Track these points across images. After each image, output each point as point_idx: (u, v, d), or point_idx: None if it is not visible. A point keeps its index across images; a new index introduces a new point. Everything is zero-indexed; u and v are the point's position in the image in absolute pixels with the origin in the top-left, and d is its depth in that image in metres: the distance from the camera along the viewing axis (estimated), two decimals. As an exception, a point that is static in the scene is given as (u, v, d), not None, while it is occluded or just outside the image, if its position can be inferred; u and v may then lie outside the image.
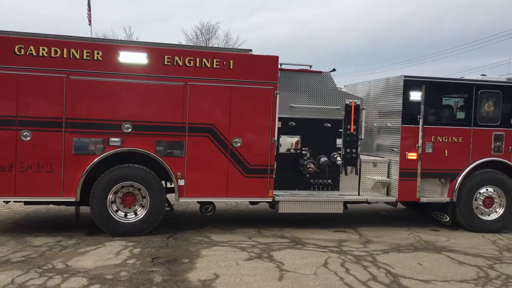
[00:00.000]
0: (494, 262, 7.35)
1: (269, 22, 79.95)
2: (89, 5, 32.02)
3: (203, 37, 57.32)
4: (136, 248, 7.40)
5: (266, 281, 6.03)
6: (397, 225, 9.92)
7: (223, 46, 53.06)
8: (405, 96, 9.26)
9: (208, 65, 8.41)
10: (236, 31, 76.26)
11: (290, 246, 7.84)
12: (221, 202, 11.17)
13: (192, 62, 8.34)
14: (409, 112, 9.28)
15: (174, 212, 9.66)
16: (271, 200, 8.86)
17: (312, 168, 9.00)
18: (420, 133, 9.24)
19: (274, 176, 8.78)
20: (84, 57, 7.92)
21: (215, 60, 8.42)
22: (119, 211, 8.31)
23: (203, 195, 8.58)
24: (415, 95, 9.27)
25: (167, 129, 8.31)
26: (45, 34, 8.10)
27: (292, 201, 8.95)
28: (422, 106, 9.28)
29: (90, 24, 31.83)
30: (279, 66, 9.12)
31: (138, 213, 8.34)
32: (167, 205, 9.32)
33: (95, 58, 7.97)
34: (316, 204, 9.05)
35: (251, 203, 9.67)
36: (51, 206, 9.44)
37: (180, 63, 8.31)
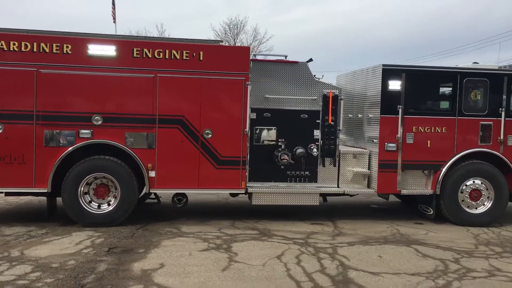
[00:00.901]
0: (463, 256, 7.06)
1: (307, 17, 79.53)
2: (113, 3, 32.72)
3: (231, 32, 57.54)
4: (100, 238, 7.51)
5: (209, 271, 6.00)
6: (381, 218, 9.66)
7: (247, 41, 53.28)
8: (384, 85, 8.99)
9: (178, 56, 8.41)
10: (274, 26, 75.94)
11: (255, 238, 7.77)
12: (213, 195, 11.22)
13: (161, 54, 8.36)
14: (388, 102, 9.01)
15: (161, 204, 9.77)
16: (243, 192, 8.81)
17: (286, 159, 8.88)
18: (400, 124, 8.95)
19: (247, 167, 8.72)
20: (54, 50, 8.07)
21: (184, 52, 8.42)
22: (93, 202, 8.45)
23: (175, 187, 8.61)
24: (395, 84, 8.99)
25: (137, 121, 8.37)
26: (16, 29, 8.29)
27: (265, 192, 8.87)
28: (402, 96, 8.98)
29: (114, 21, 32.55)
30: (252, 57, 9.07)
31: (111, 204, 8.45)
32: (154, 197, 9.47)
33: (65, 51, 8.11)
34: (290, 196, 8.93)
35: (231, 194, 9.65)
36: (43, 198, 9.68)
37: (150, 55, 8.34)
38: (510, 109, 9.28)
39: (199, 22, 70.99)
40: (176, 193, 8.72)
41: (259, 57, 9.15)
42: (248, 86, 8.55)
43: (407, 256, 6.97)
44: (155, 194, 9.29)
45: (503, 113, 9.13)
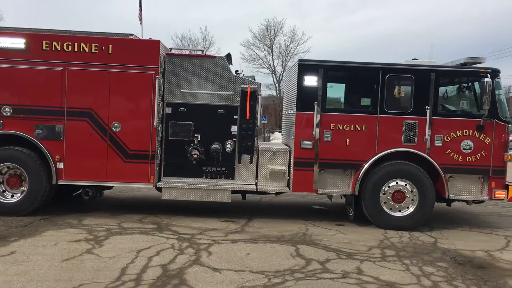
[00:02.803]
0: (340, 257, 6.72)
1: (370, 19, 78.88)
2: (140, 5, 33.59)
3: (268, 34, 57.71)
4: (-7, 226, 7.64)
5: (50, 260, 5.99)
6: (305, 218, 9.34)
7: (285, 42, 53.31)
8: (300, 81, 8.72)
9: (87, 49, 8.47)
10: (336, 29, 75.89)
11: (144, 232, 7.69)
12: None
13: (70, 47, 8.45)
14: (304, 98, 8.73)
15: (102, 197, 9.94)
16: (152, 186, 8.75)
17: (197, 154, 8.75)
18: (316, 121, 8.65)
19: (156, 161, 8.66)
20: (-35, 43, 8.29)
21: (93, 45, 8.47)
22: (6, 192, 8.62)
23: (82, 179, 8.65)
24: (311, 80, 8.69)
25: (46, 113, 8.48)
26: None
27: (175, 187, 8.78)
28: (319, 92, 8.68)
29: (141, 23, 33.36)
30: (169, 51, 9.03)
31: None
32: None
33: (-25, 44, 8.32)
34: (201, 192, 8.80)
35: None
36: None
37: (59, 48, 8.44)
38: (438, 108, 8.79)
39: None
40: (85, 185, 8.75)
41: (175, 51, 9.05)
42: (158, 80, 8.49)
43: (278, 255, 6.70)
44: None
45: (429, 112, 8.65)
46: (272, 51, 55.26)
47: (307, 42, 57.81)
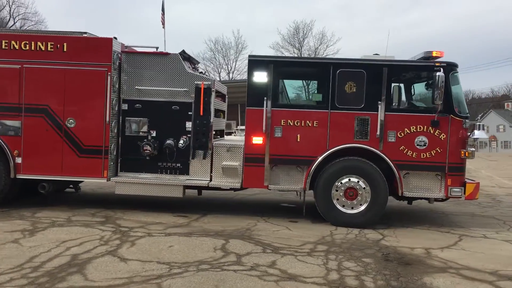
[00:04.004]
0: (264, 251, 6.68)
1: (423, 19, 78.31)
2: (163, 10, 34.48)
3: (298, 35, 57.87)
4: None
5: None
6: (263, 215, 9.32)
7: (314, 44, 53.25)
8: (250, 77, 8.75)
9: (43, 48, 8.78)
10: (394, 28, 75.76)
11: (87, 225, 7.88)
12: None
13: (27, 45, 8.78)
14: (255, 94, 8.74)
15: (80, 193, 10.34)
16: (105, 181, 8.95)
17: (149, 150, 8.90)
18: (265, 116, 8.63)
19: (109, 157, 8.86)
20: None
21: (49, 43, 8.77)
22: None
23: (40, 173, 8.94)
24: (261, 76, 8.69)
25: (5, 110, 8.84)
26: None
27: (128, 182, 8.96)
28: (269, 88, 8.67)
29: (163, 27, 34.21)
30: (124, 49, 9.23)
31: (-14, 187, 8.97)
32: (71, 186, 9.93)
33: None
34: (154, 187, 8.94)
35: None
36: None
37: (17, 47, 8.79)
38: (391, 103, 8.62)
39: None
40: (41, 180, 9.03)
41: (130, 49, 9.23)
42: (109, 77, 8.69)
43: (201, 248, 6.71)
44: (74, 184, 9.89)
45: (380, 107, 8.50)
46: (300, 53, 55.31)
47: (337, 43, 57.67)
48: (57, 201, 9.87)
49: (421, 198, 9.03)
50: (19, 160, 8.88)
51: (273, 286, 5.36)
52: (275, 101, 8.71)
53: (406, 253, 7.03)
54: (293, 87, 9.03)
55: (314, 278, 5.65)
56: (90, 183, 11.71)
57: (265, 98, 8.63)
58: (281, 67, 8.72)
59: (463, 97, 9.06)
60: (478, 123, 8.58)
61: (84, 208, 9.17)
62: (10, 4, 54.72)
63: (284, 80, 8.79)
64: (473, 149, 8.65)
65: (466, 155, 8.50)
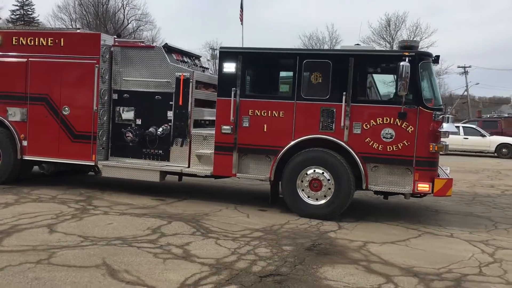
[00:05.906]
0: (194, 234, 7.01)
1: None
2: (241, 7, 35.76)
3: (388, 29, 56.52)
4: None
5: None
6: (236, 202, 9.60)
7: (408, 37, 51.61)
8: (221, 68, 9.05)
9: (45, 43, 9.86)
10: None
11: (61, 202, 8.74)
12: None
13: (32, 41, 9.91)
14: (224, 84, 9.03)
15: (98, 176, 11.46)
16: (93, 164, 9.82)
17: (131, 137, 9.61)
18: (233, 106, 8.88)
19: (97, 142, 9.70)
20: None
21: (49, 39, 9.83)
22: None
23: (41, 155, 10.05)
24: (230, 67, 8.95)
25: (16, 98, 10.07)
26: None
27: (113, 166, 9.74)
28: (238, 78, 8.91)
29: (242, 24, 35.45)
30: (115, 43, 10.01)
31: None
32: (92, 170, 11.17)
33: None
34: (135, 171, 9.61)
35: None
36: None
37: (24, 43, 9.96)
38: (357, 94, 8.43)
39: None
40: (42, 161, 10.12)
41: (121, 43, 9.96)
42: (96, 68, 9.52)
43: (136, 226, 7.17)
44: (94, 167, 11.07)
45: (345, 98, 8.35)
46: (392, 46, 53.59)
47: (432, 36, 54.88)
48: (68, 182, 10.91)
49: (390, 193, 8.72)
50: (25, 143, 10.06)
51: (159, 263, 5.68)
52: (243, 92, 8.92)
53: (338, 245, 6.96)
54: (261, 78, 9.14)
55: (207, 259, 5.86)
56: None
57: (233, 88, 8.88)
58: (249, 58, 8.90)
59: (437, 88, 8.55)
60: (447, 115, 8.08)
61: (78, 188, 10.11)
62: (125, 6, 59.47)
63: (252, 71, 8.95)
64: (445, 142, 8.19)
65: (435, 149, 8.07)
